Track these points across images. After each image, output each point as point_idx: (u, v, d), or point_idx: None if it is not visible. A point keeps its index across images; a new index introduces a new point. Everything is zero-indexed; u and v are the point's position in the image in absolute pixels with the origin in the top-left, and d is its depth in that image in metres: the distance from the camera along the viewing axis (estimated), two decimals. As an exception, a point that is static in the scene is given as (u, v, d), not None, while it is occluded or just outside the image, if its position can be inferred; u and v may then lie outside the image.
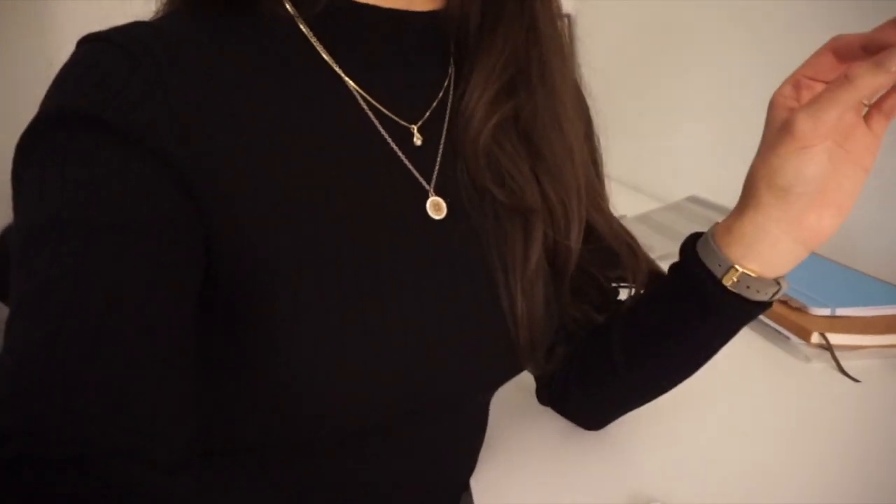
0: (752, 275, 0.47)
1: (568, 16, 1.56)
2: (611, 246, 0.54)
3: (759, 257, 0.47)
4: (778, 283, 0.48)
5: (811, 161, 0.43)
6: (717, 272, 0.48)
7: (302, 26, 0.44)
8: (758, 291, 0.48)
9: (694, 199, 1.31)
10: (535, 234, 0.48)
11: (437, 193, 0.46)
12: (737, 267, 0.47)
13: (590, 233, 0.53)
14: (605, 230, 0.54)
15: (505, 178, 0.48)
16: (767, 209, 0.46)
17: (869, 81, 0.39)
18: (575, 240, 0.50)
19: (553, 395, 0.62)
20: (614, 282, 0.57)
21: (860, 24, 1.18)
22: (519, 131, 0.49)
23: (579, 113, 0.54)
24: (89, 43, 0.39)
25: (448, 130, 0.48)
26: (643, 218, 1.24)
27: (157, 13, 0.46)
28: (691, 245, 0.51)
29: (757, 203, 0.46)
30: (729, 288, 0.48)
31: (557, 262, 0.51)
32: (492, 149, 0.48)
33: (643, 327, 0.54)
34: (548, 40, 0.49)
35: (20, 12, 1.39)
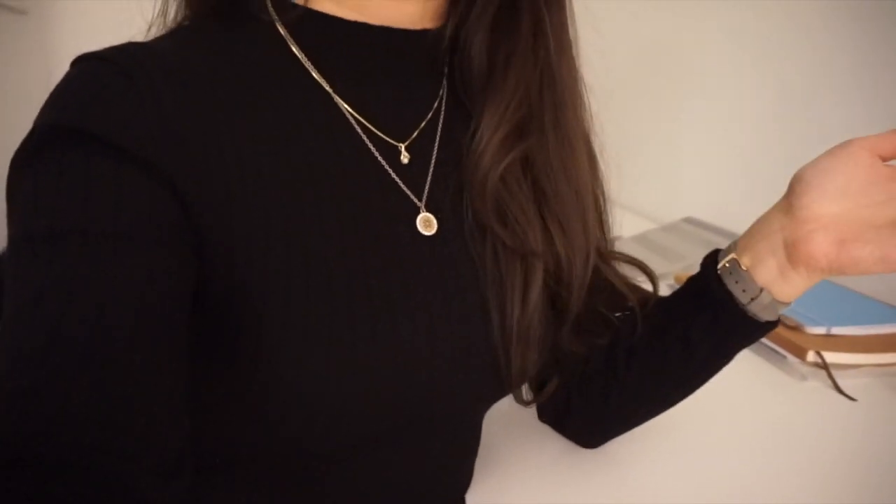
0: (744, 268, 0.50)
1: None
2: (616, 287, 0.55)
3: (753, 250, 0.50)
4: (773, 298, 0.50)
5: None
6: (720, 262, 0.51)
7: (293, 45, 0.45)
8: (736, 282, 0.50)
9: (690, 220, 1.32)
10: (535, 277, 0.48)
11: (429, 210, 0.47)
12: (734, 256, 0.50)
13: (595, 278, 0.53)
14: (611, 275, 0.55)
15: (508, 220, 0.48)
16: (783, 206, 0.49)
17: None
18: (577, 289, 0.51)
19: (555, 410, 0.62)
20: (619, 313, 0.57)
21: (860, 51, 1.19)
22: (527, 174, 0.49)
23: (590, 159, 0.54)
24: (83, 62, 0.40)
25: (438, 151, 0.49)
26: (640, 238, 1.25)
27: (149, 28, 0.46)
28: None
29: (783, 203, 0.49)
30: (719, 271, 0.51)
31: (558, 304, 0.51)
32: (499, 190, 0.48)
33: (647, 326, 0.55)
34: (562, 86, 0.49)
35: (22, 27, 1.41)
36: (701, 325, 0.52)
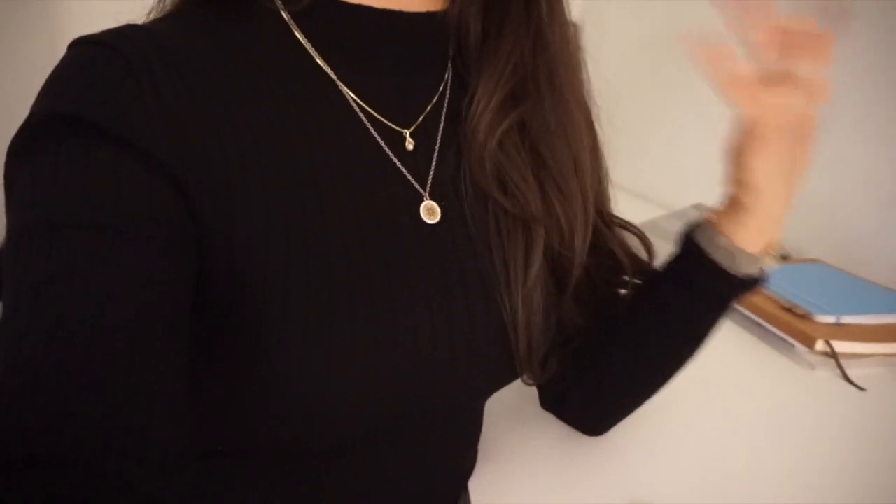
0: (710, 222, 0.51)
1: (574, 25, 1.56)
2: (615, 254, 0.55)
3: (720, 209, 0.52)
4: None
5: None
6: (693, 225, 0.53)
7: (295, 30, 0.44)
8: (701, 233, 0.51)
9: (700, 207, 1.31)
10: (537, 242, 0.48)
11: (432, 198, 0.46)
12: (707, 215, 0.52)
13: (595, 242, 0.53)
14: (611, 241, 0.55)
15: (509, 186, 0.48)
16: None
17: None
18: (579, 252, 0.50)
19: (555, 395, 0.62)
20: (618, 287, 0.57)
21: (867, 39, 1.18)
22: (525, 140, 0.49)
23: (588, 124, 0.54)
24: (80, 45, 0.39)
25: (443, 135, 0.48)
26: (649, 225, 1.24)
27: (149, 13, 0.46)
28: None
29: None
30: (690, 232, 0.52)
31: (559, 272, 0.51)
32: (497, 156, 0.48)
33: (632, 302, 0.56)
34: (555, 49, 0.48)
35: (28, 12, 1.41)
36: (669, 284, 0.53)
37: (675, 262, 0.54)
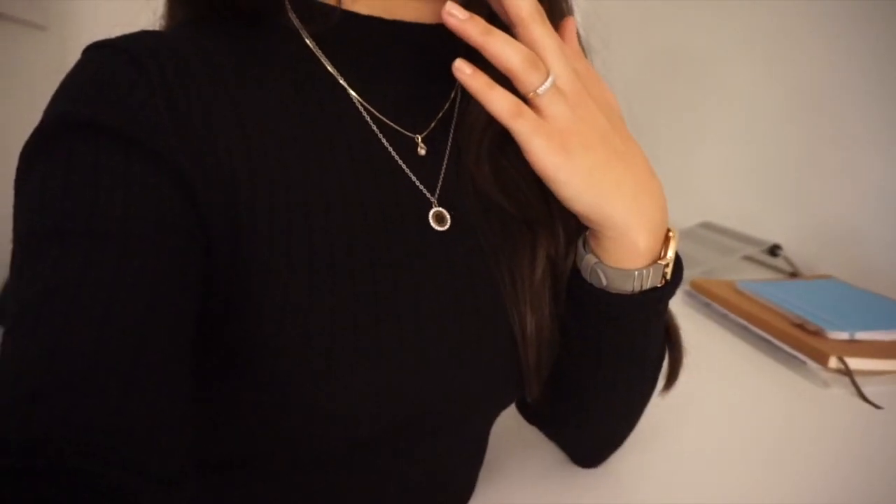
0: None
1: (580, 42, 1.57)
2: None
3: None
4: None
5: None
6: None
7: (306, 38, 0.44)
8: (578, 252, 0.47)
9: (706, 225, 1.30)
10: (540, 246, 0.47)
11: (442, 205, 0.46)
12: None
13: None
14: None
15: (510, 188, 0.47)
16: None
17: None
18: (571, 265, 0.49)
19: (541, 417, 0.59)
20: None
21: (875, 52, 1.18)
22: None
23: None
24: (93, 50, 0.39)
25: (453, 142, 0.48)
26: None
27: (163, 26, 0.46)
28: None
29: None
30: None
31: (560, 283, 0.50)
32: (496, 157, 0.47)
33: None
34: None
35: (40, 44, 1.43)
36: (568, 307, 0.49)
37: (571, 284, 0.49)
